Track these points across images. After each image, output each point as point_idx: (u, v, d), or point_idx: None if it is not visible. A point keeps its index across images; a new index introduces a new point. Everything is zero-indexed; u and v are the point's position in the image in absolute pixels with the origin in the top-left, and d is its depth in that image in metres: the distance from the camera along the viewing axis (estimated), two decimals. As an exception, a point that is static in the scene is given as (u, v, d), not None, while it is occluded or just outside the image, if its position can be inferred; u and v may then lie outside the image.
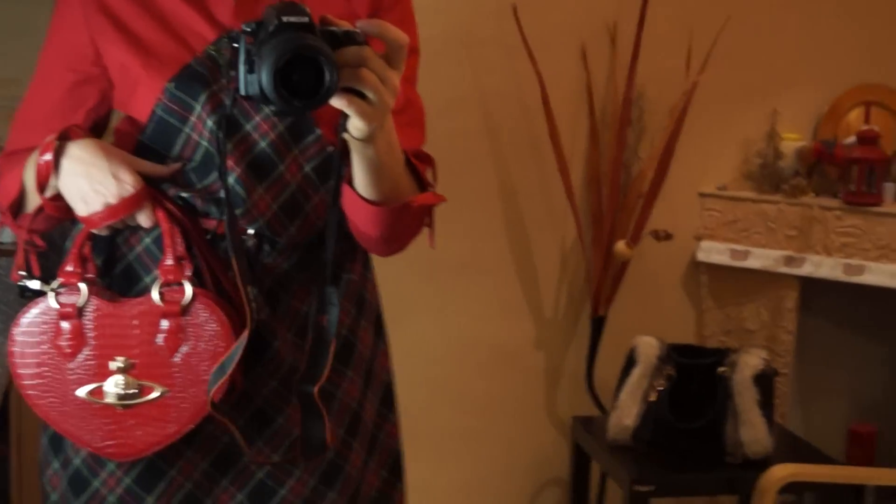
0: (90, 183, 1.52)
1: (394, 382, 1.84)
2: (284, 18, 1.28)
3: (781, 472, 2.71)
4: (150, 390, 1.57)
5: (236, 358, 1.50)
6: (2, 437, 2.77)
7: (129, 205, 1.53)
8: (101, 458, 1.62)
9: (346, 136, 1.40)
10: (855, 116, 3.56)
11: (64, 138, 1.54)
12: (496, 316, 3.58)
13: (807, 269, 3.37)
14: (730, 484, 2.97)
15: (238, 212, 1.54)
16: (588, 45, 3.48)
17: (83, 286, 1.58)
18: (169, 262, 1.57)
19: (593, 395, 3.46)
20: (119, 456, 1.59)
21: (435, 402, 3.57)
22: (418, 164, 1.59)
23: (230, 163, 1.54)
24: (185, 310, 1.56)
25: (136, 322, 1.57)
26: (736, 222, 3.49)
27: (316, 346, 1.51)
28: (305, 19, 1.29)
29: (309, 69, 1.25)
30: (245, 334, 1.49)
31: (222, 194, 1.49)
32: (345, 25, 1.31)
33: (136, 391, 1.57)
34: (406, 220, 1.56)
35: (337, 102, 1.31)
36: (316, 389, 1.50)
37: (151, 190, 1.55)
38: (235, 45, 1.33)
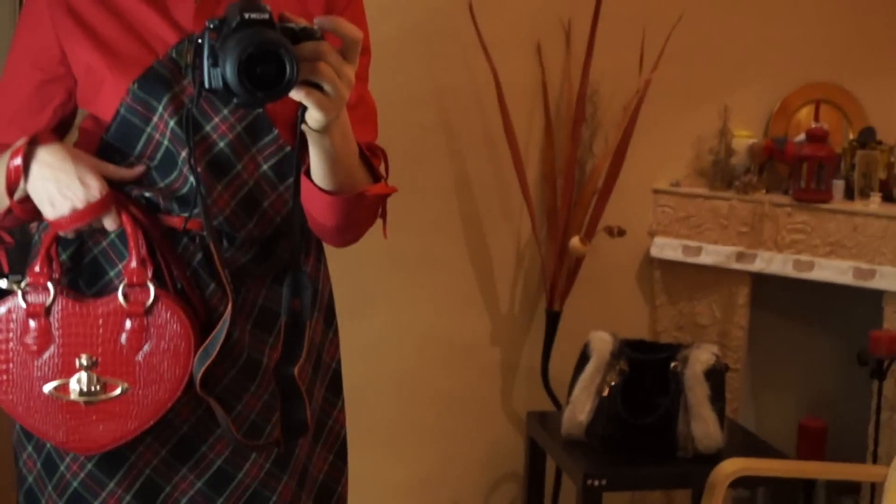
0: (58, 187, 1.57)
1: (341, 371, 1.92)
2: (246, 15, 1.34)
3: (732, 467, 2.75)
4: (114, 387, 1.64)
5: (220, 341, 1.59)
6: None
7: (96, 209, 1.59)
8: None
9: (304, 127, 1.46)
10: (805, 114, 3.62)
11: (34, 143, 1.59)
12: (452, 311, 3.61)
13: (758, 265, 3.42)
14: (681, 478, 3.01)
15: (196, 210, 1.57)
16: (543, 43, 3.51)
17: (51, 286, 1.64)
18: (133, 264, 1.63)
19: (548, 389, 3.50)
20: (81, 450, 1.66)
21: (391, 395, 3.59)
22: (371, 157, 1.66)
23: (190, 160, 1.56)
24: (149, 310, 1.63)
25: (101, 321, 1.64)
26: (689, 218, 3.54)
27: (291, 329, 1.59)
28: (266, 16, 1.35)
29: (270, 63, 1.32)
30: (228, 311, 1.58)
31: (184, 191, 1.61)
32: (302, 22, 1.38)
33: (100, 388, 1.64)
34: (360, 209, 1.62)
35: (296, 94, 1.37)
36: (296, 371, 1.59)
37: (117, 194, 1.61)
38: (200, 40, 1.38)
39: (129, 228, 1.61)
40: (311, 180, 1.56)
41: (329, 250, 1.91)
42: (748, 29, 3.60)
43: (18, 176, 1.58)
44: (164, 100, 1.59)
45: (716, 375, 3.00)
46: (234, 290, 1.61)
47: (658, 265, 3.61)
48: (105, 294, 1.66)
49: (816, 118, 3.57)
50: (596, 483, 2.86)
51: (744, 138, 3.53)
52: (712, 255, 3.48)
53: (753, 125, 3.61)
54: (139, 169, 1.63)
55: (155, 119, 1.61)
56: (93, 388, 1.63)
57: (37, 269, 1.65)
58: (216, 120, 1.61)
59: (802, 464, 3.10)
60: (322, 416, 1.85)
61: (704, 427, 2.96)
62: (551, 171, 3.50)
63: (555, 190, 3.49)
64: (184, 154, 1.60)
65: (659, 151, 3.61)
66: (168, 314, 1.63)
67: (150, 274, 1.62)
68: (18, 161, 1.57)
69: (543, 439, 3.26)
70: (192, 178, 1.58)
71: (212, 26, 1.37)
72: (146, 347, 1.63)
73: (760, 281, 3.49)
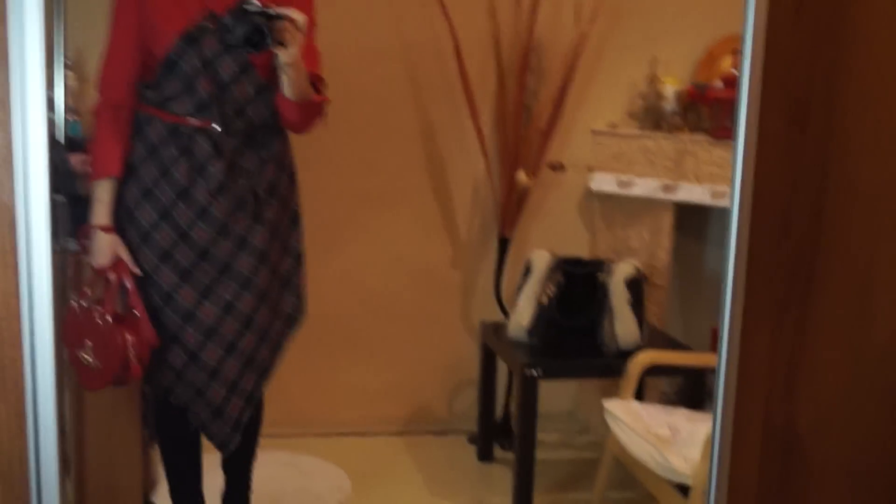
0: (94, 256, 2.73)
1: (299, 211, 2.87)
2: (246, 6, 2.51)
3: (644, 358, 3.28)
4: None
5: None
6: None
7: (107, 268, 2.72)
8: None
9: (277, 64, 2.60)
10: (726, 63, 4.10)
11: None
12: (418, 240, 4.14)
13: (681, 196, 3.93)
14: (605, 369, 3.54)
15: (208, 113, 2.66)
16: (496, 1, 4.00)
17: None
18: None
19: (500, 304, 4.03)
20: None
21: (365, 313, 4.12)
22: (316, 81, 2.76)
23: (206, 85, 2.64)
24: None
25: None
26: (622, 155, 4.05)
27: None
28: (258, 6, 2.51)
29: (259, 33, 2.50)
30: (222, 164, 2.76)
31: (200, 102, 2.66)
32: (275, 10, 2.50)
33: None
34: (310, 109, 2.75)
35: (273, 48, 2.54)
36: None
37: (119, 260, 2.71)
38: (224, 21, 2.54)
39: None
40: (282, 94, 2.66)
41: (309, 205, 2.89)
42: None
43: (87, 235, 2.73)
44: (193, 49, 2.63)
45: (635, 284, 3.54)
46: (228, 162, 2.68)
47: (596, 197, 4.13)
48: None
49: (734, 66, 4.06)
50: (533, 373, 3.39)
51: (671, 84, 4.03)
52: (642, 187, 3.99)
53: (680, 73, 4.10)
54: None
55: (187, 59, 2.63)
56: None
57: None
58: (224, 63, 2.65)
59: (702, 355, 3.63)
60: (285, 236, 2.84)
61: (625, 327, 3.50)
62: (502, 116, 4.01)
63: (505, 131, 4.00)
64: (202, 81, 2.63)
65: (597, 97, 4.12)
66: None
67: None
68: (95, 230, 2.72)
69: (494, 343, 3.79)
70: (203, 96, 2.64)
71: (230, 12, 2.51)
72: None
73: (683, 209, 4.00)
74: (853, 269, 1.74)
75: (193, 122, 2.66)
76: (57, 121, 3.06)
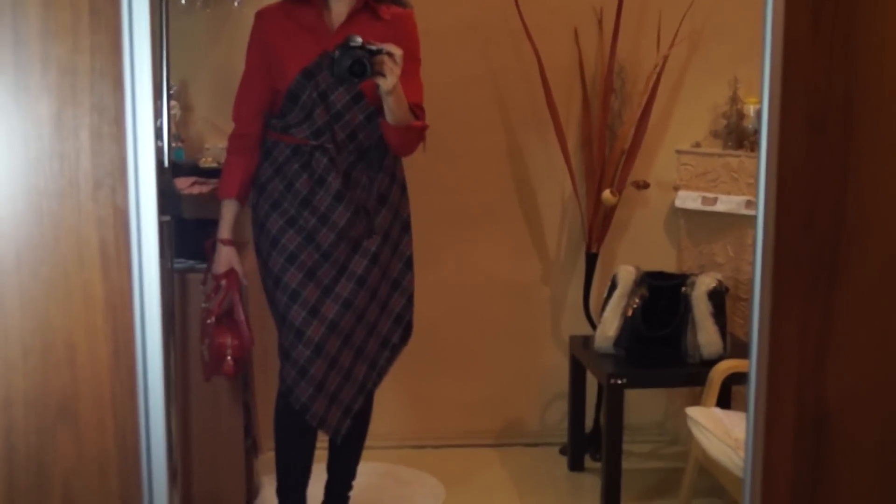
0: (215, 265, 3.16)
1: (410, 220, 3.21)
2: (350, 42, 2.86)
3: (724, 366, 3.40)
4: None
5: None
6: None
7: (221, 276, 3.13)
8: None
9: (379, 92, 2.93)
10: (808, 82, 4.20)
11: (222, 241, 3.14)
12: (509, 257, 4.31)
13: (764, 210, 4.02)
14: (690, 377, 3.67)
15: (324, 137, 3.03)
16: (579, 28, 4.17)
17: None
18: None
19: (588, 317, 4.17)
20: None
21: (459, 329, 4.30)
22: (416, 109, 3.07)
23: (322, 114, 3.01)
24: None
25: None
26: (706, 174, 4.17)
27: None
28: (360, 42, 2.86)
29: (360, 64, 2.84)
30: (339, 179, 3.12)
31: (316, 128, 3.03)
32: (377, 45, 2.87)
33: None
34: (410, 134, 3.07)
35: (374, 78, 2.88)
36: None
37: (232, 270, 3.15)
38: (333, 54, 2.88)
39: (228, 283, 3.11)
40: (385, 120, 3.00)
41: (414, 214, 3.24)
42: (752, 7, 4.17)
43: (214, 249, 3.15)
44: (311, 83, 3.00)
45: (717, 296, 3.66)
46: (343, 174, 3.05)
47: (682, 214, 4.25)
48: None
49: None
50: (618, 381, 3.52)
51: (752, 104, 4.14)
52: (726, 203, 4.10)
53: (761, 92, 4.20)
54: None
55: (306, 91, 3.01)
56: None
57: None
58: (337, 93, 3.02)
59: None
60: (396, 240, 3.17)
61: (707, 337, 3.62)
62: (588, 137, 4.17)
63: (591, 152, 4.15)
64: (319, 110, 3.01)
65: (680, 117, 4.25)
66: None
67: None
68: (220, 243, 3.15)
69: (582, 356, 3.93)
70: (319, 123, 3.02)
71: (337, 47, 2.86)
72: None
73: (767, 224, 4.09)
74: (875, 257, 1.87)
75: (312, 142, 3.04)
76: (163, 147, 3.31)
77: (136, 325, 1.61)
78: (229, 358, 3.07)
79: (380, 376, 3.22)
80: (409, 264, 3.23)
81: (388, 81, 2.87)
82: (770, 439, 1.87)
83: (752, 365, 1.89)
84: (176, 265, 3.29)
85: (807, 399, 1.88)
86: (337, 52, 2.86)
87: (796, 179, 1.83)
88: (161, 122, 3.33)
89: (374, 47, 2.85)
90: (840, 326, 1.87)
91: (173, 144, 3.60)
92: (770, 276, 1.85)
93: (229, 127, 3.19)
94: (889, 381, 1.89)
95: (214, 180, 3.50)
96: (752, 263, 3.71)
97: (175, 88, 3.79)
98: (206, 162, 3.75)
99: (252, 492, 3.58)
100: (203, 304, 3.15)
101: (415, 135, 3.08)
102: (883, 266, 1.89)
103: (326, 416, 3.08)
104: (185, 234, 3.37)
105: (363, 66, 2.82)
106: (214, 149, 3.85)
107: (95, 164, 1.62)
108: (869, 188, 1.89)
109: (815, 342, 1.90)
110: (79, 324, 1.71)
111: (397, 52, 2.86)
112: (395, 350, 3.23)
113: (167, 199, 3.21)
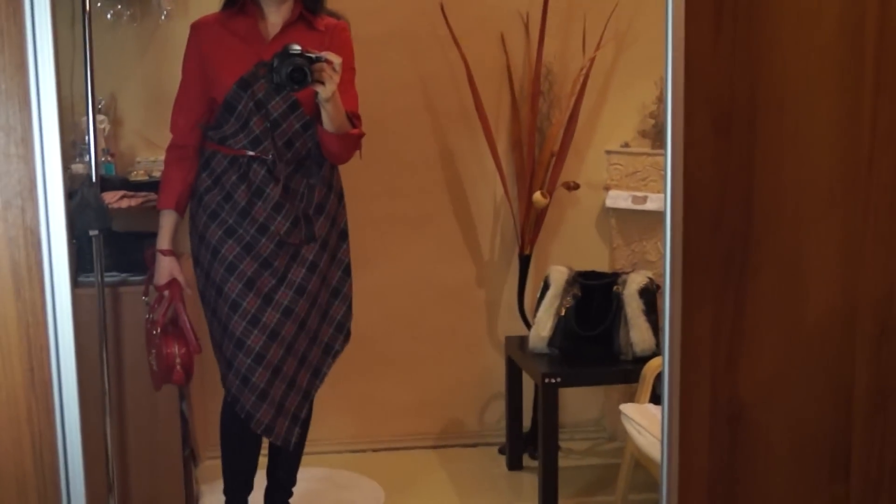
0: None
1: (347, 228, 3.24)
2: (289, 49, 2.87)
3: (656, 362, 3.45)
4: None
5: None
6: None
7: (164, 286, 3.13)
8: None
9: (318, 100, 2.97)
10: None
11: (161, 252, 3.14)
12: (443, 260, 4.34)
13: (692, 207, 4.09)
14: (623, 375, 3.72)
15: (262, 147, 3.04)
16: (506, 33, 4.22)
17: None
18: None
19: (523, 318, 4.21)
20: None
21: (396, 332, 4.32)
22: (353, 117, 3.12)
23: (259, 123, 3.02)
24: None
25: None
26: (636, 173, 4.23)
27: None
28: (298, 49, 2.87)
29: (301, 71, 2.84)
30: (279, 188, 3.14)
31: (253, 137, 3.04)
32: (316, 53, 2.89)
33: None
34: (348, 141, 3.10)
35: (313, 86, 2.89)
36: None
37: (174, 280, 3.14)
38: (271, 63, 2.90)
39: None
40: (323, 127, 3.03)
41: (348, 220, 3.27)
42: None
43: (154, 260, 3.16)
44: (247, 93, 3.01)
45: (648, 293, 3.71)
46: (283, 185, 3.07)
47: (612, 213, 4.31)
48: None
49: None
50: (552, 380, 3.57)
51: (678, 103, 4.21)
52: (656, 202, 4.16)
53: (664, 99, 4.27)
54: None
55: (242, 101, 3.01)
56: None
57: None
58: (273, 102, 3.02)
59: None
60: (334, 249, 3.20)
61: (640, 334, 3.67)
62: (517, 140, 4.21)
63: (521, 155, 4.20)
64: (255, 119, 3.01)
65: (608, 118, 4.31)
66: None
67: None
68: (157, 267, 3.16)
69: (518, 356, 3.97)
70: (256, 132, 3.02)
71: (276, 55, 2.88)
72: None
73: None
74: (784, 255, 1.93)
75: (250, 153, 3.06)
76: (91, 161, 3.30)
77: (50, 343, 1.62)
78: (178, 366, 3.09)
79: (319, 382, 3.25)
80: (347, 271, 3.26)
81: (328, 89, 2.90)
82: (686, 433, 1.92)
83: (665, 362, 1.94)
84: (107, 279, 3.29)
85: (720, 393, 1.93)
86: (276, 61, 2.87)
87: (703, 182, 1.89)
88: (88, 138, 3.31)
89: (313, 55, 2.88)
90: (751, 322, 1.93)
91: (102, 159, 3.59)
92: (680, 276, 1.90)
93: (161, 140, 3.20)
94: (798, 373, 1.95)
95: (144, 193, 3.50)
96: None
97: (103, 103, 3.78)
98: (138, 175, 3.73)
99: (192, 501, 3.58)
100: (147, 316, 3.16)
101: (352, 142, 3.12)
102: (790, 263, 1.95)
103: (273, 424, 3.10)
104: (116, 247, 3.37)
105: (303, 72, 2.84)
106: (146, 162, 3.84)
107: (4, 184, 1.63)
108: (776, 188, 1.94)
109: (728, 338, 1.95)
110: (-7, 343, 1.72)
111: (336, 59, 2.90)
112: (336, 356, 3.26)
113: (96, 213, 3.20)
